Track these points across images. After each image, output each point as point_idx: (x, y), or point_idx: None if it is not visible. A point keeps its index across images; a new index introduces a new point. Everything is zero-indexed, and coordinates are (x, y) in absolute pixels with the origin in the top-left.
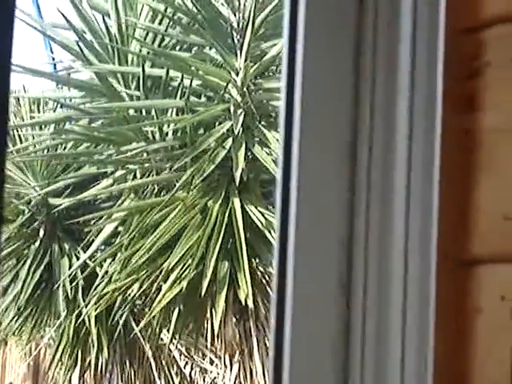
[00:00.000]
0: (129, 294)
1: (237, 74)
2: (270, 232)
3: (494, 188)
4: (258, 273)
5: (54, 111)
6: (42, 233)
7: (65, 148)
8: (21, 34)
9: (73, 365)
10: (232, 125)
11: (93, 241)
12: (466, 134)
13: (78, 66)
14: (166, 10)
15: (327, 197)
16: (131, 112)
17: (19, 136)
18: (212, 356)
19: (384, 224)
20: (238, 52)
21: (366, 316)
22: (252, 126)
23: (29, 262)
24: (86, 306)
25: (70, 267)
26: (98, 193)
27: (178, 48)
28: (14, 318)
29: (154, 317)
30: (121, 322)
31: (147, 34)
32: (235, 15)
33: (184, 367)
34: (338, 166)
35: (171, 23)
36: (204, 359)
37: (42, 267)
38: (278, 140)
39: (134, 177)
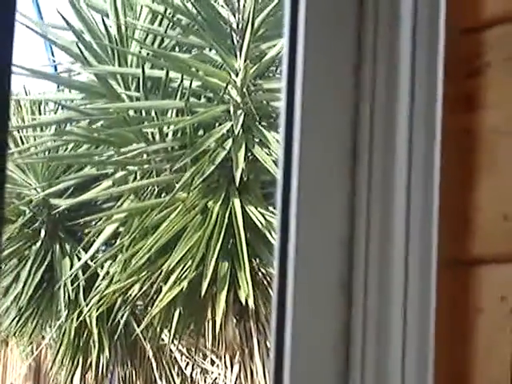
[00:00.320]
0: (130, 295)
1: (236, 75)
2: (270, 232)
3: (495, 188)
4: (259, 273)
5: (55, 113)
6: (43, 233)
7: (66, 149)
8: (21, 36)
9: (74, 365)
10: (232, 126)
11: (94, 241)
12: (467, 134)
13: (77, 68)
14: (165, 12)
15: (328, 197)
16: (131, 113)
17: (20, 137)
18: (213, 356)
19: (385, 224)
20: (238, 53)
21: (366, 316)
22: (252, 126)
23: (30, 262)
24: (87, 307)
25: (71, 268)
26: (98, 194)
27: (177, 49)
28: (15, 318)
29: (154, 317)
30: (122, 322)
31: (147, 35)
32: (235, 16)
33: (185, 368)
34: (338, 166)
35: (171, 24)
36: (205, 360)
37: (43, 268)
38: (278, 141)
39: (135, 178)
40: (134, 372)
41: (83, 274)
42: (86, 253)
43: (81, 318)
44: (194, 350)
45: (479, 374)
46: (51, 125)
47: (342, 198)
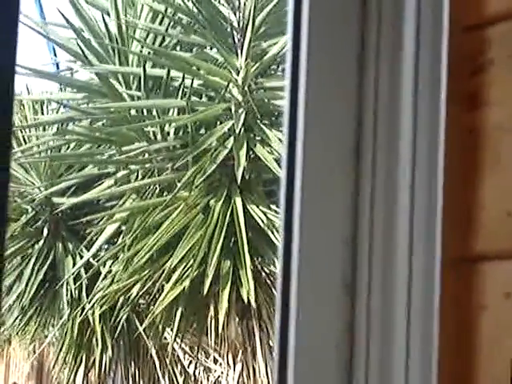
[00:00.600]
0: (132, 294)
1: (238, 74)
2: (271, 231)
3: (499, 185)
4: (261, 272)
5: (57, 112)
6: (45, 232)
7: (67, 148)
8: (23, 35)
9: (77, 364)
10: (233, 124)
11: (96, 240)
12: (470, 132)
13: (78, 67)
14: (166, 11)
15: (331, 196)
16: (132, 112)
17: (23, 137)
18: (216, 355)
19: (388, 223)
20: (239, 51)
21: (370, 315)
22: (253, 125)
23: (33, 261)
24: (90, 305)
25: (73, 266)
26: (100, 193)
27: (178, 48)
28: (18, 317)
29: (157, 316)
30: (124, 321)
31: (148, 34)
32: (235, 15)
33: (188, 366)
34: (342, 165)
35: (172, 23)
36: (208, 358)
37: (46, 266)
38: (279, 139)
39: (136, 177)
40: (136, 370)
41: (86, 273)
42: (89, 251)
43: (83, 316)
44: (196, 348)
45: (483, 372)
46: (53, 124)
47: (345, 198)
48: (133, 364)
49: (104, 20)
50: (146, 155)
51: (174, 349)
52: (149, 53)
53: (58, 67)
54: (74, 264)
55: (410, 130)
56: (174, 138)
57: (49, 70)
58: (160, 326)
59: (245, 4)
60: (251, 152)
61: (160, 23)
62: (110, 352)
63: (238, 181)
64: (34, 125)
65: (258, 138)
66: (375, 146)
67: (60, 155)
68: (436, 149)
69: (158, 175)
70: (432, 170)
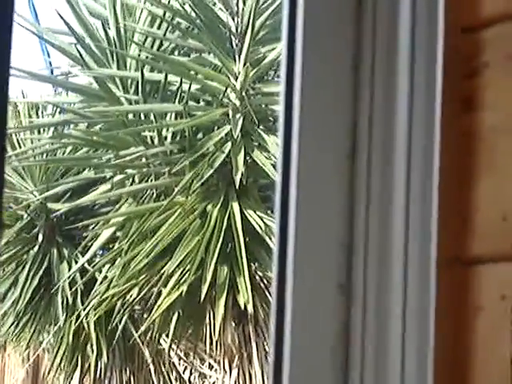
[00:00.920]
0: (128, 299)
1: (236, 79)
2: (269, 236)
3: (494, 187)
4: (257, 277)
5: (53, 116)
6: (40, 238)
7: (64, 152)
8: (17, 39)
9: (72, 370)
10: (231, 129)
11: (91, 246)
12: (466, 134)
13: (76, 71)
14: (164, 15)
15: (326, 199)
16: (130, 116)
17: (18, 141)
18: (211, 361)
19: (383, 225)
20: (237, 56)
21: (365, 317)
22: (251, 130)
23: (28, 267)
24: (85, 311)
25: (69, 272)
26: (96, 198)
27: (176, 52)
28: (13, 323)
29: (153, 322)
30: (120, 326)
31: (146, 38)
32: (234, 20)
33: (183, 372)
34: (337, 169)
35: (170, 28)
36: (203, 364)
37: (41, 272)
38: (277, 144)
39: (133, 181)
40: (132, 376)
41: (81, 279)
42: (84, 257)
43: (78, 322)
44: (192, 354)
45: (479, 373)
46: (49, 127)
47: (340, 200)
48: (128, 370)
49: (103, 24)
50: (143, 160)
51: (169, 355)
52: (147, 57)
53: (52, 72)
54: (70, 270)
55: (405, 133)
56: (172, 143)
57: (45, 73)
58: (156, 332)
59: (243, 9)
60: (249, 157)
61: (158, 27)
62: (105, 358)
63: (236, 186)
64: (30, 127)
65: (255, 143)
66: (370, 148)
67: (56, 159)
68: (431, 151)
69: (155, 180)
70: (427, 171)
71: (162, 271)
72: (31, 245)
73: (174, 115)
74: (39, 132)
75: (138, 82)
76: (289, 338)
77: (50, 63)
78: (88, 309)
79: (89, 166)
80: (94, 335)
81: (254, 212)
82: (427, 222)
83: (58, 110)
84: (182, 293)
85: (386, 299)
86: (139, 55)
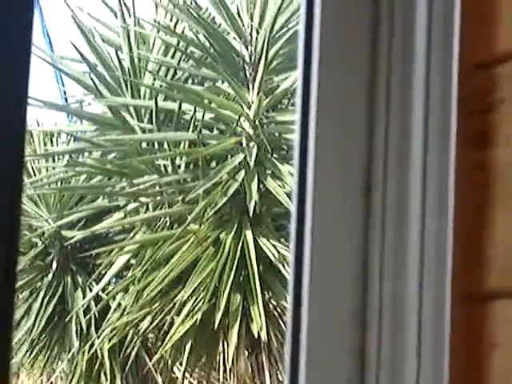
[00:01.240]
0: (141, 327)
1: (249, 108)
2: (282, 265)
3: (509, 222)
4: (271, 306)
5: (68, 144)
6: (54, 265)
7: (78, 180)
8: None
9: None
10: (244, 157)
11: (105, 273)
12: (481, 170)
13: (90, 99)
14: (178, 44)
15: (342, 230)
16: (144, 145)
17: (33, 169)
18: None
19: (399, 259)
20: (251, 85)
21: (380, 353)
22: (264, 158)
23: (42, 294)
24: (99, 339)
25: (83, 300)
26: (110, 225)
27: (190, 81)
28: (27, 350)
29: (167, 350)
30: (133, 354)
31: (160, 67)
32: (247, 49)
33: None
34: (352, 198)
35: (184, 57)
36: None
37: (55, 300)
38: (290, 173)
39: (147, 209)
40: None
41: (95, 306)
42: (98, 285)
43: (92, 350)
44: (205, 382)
45: None
46: (64, 155)
47: (356, 231)
48: None
49: (117, 53)
50: (157, 188)
51: (182, 383)
52: (161, 86)
53: (66, 100)
54: (84, 297)
55: (419, 168)
56: (185, 171)
57: (59, 102)
58: (169, 360)
59: (257, 39)
60: (262, 185)
61: (172, 56)
62: None
63: (250, 214)
64: (44, 155)
65: (268, 172)
66: (386, 182)
67: (70, 187)
68: (446, 186)
69: (169, 208)
70: (442, 207)
71: (176, 299)
72: (45, 272)
73: (187, 144)
74: (54, 160)
75: (151, 111)
76: (304, 370)
77: (65, 92)
78: (102, 337)
79: (103, 194)
80: (107, 363)
81: (268, 240)
82: (442, 257)
83: (73, 138)
84: (196, 321)
85: (401, 334)
86: (153, 84)
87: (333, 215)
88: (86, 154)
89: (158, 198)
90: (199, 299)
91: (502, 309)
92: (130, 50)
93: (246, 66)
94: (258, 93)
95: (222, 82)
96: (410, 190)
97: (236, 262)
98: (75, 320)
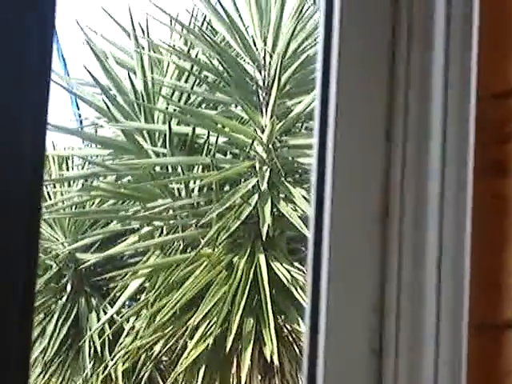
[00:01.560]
0: (155, 350)
1: (262, 132)
2: (295, 289)
3: None
4: (285, 330)
5: (82, 168)
6: (69, 288)
7: (92, 204)
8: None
9: None
10: (258, 181)
11: (119, 296)
12: (498, 199)
13: (104, 123)
14: (192, 68)
15: (359, 260)
16: (157, 169)
17: (48, 193)
18: None
19: (416, 289)
20: (264, 109)
21: (397, 381)
22: (278, 182)
23: (56, 316)
24: (113, 362)
25: (97, 322)
26: (124, 249)
27: (204, 106)
28: (41, 372)
29: (180, 373)
30: (146, 376)
31: (173, 91)
32: (261, 73)
33: None
34: (369, 228)
35: (197, 81)
36: None
37: (69, 322)
38: (303, 196)
39: (160, 233)
40: None
41: (109, 329)
42: (112, 307)
43: (106, 373)
44: None
45: None
46: (78, 180)
47: (372, 263)
48: None
49: (130, 77)
50: (171, 211)
51: None
52: (174, 110)
53: (81, 123)
54: (98, 320)
55: (437, 197)
56: (199, 195)
57: (73, 126)
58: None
59: (270, 63)
60: (275, 209)
61: (186, 81)
62: None
63: (263, 238)
64: (59, 180)
65: (282, 196)
66: (403, 211)
67: (84, 211)
68: (464, 215)
69: (182, 232)
70: (459, 235)
71: (188, 323)
72: (60, 295)
73: (201, 168)
74: (69, 184)
75: (165, 135)
76: None
77: (80, 115)
78: (115, 359)
79: (117, 219)
80: None
81: (281, 264)
82: (459, 286)
83: (87, 161)
84: (208, 344)
85: (418, 363)
86: (167, 108)
87: (349, 242)
88: (101, 177)
89: (172, 221)
90: (212, 323)
91: None
92: (144, 74)
93: (260, 91)
94: (271, 117)
95: (236, 106)
96: (428, 220)
97: (249, 285)
98: (89, 342)
